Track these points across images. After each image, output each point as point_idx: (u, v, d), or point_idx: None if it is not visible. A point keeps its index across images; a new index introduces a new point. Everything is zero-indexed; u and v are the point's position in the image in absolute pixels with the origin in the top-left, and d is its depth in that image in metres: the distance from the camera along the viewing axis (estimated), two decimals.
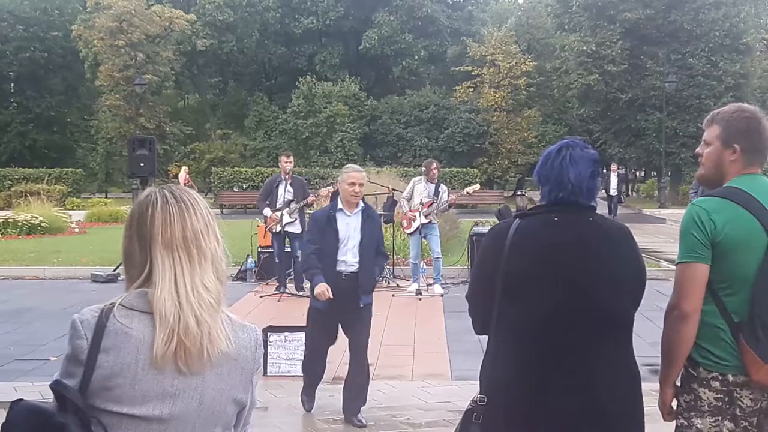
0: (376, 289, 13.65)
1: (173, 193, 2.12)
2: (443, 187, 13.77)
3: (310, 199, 13.19)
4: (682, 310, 3.11)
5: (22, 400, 2.02)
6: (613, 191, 29.16)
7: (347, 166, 7.06)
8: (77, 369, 2.00)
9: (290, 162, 13.31)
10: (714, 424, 3.13)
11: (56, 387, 1.99)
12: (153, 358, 1.98)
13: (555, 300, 2.92)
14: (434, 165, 13.78)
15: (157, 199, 2.10)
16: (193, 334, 1.99)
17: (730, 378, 3.11)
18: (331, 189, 14.73)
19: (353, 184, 6.59)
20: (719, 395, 3.12)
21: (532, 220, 3.08)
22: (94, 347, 1.99)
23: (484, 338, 3.11)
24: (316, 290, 6.44)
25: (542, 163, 3.13)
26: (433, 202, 13.39)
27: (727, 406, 3.12)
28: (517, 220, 3.08)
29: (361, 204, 6.79)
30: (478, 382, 3.07)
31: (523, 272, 2.96)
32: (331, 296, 6.41)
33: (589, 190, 3.05)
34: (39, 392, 6.80)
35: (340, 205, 6.69)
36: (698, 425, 3.16)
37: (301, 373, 7.98)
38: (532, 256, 2.98)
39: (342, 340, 9.88)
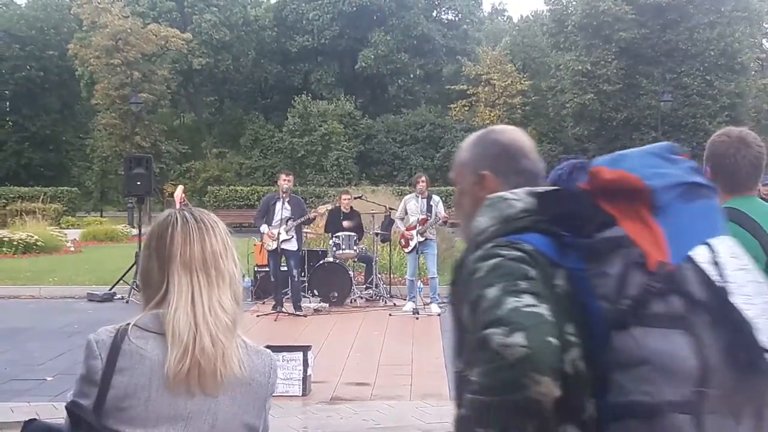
0: (371, 309, 13.74)
1: (193, 214, 2.14)
2: (435, 199, 13.63)
3: (312, 215, 13.24)
4: None
5: (35, 420, 2.02)
6: None
7: None
8: (91, 389, 2.00)
9: (289, 180, 13.24)
10: None
11: (71, 407, 1.99)
12: (165, 378, 1.98)
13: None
14: (423, 178, 13.72)
15: (177, 219, 2.11)
16: (208, 354, 1.99)
17: None
18: (328, 207, 14.69)
19: None
20: None
21: None
22: (108, 368, 1.99)
23: None
24: None
25: None
26: (428, 218, 13.34)
27: None
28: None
29: None
30: None
31: None
32: None
33: None
34: (35, 412, 6.74)
35: None
36: None
37: (299, 393, 7.94)
38: None
39: (339, 359, 9.84)
